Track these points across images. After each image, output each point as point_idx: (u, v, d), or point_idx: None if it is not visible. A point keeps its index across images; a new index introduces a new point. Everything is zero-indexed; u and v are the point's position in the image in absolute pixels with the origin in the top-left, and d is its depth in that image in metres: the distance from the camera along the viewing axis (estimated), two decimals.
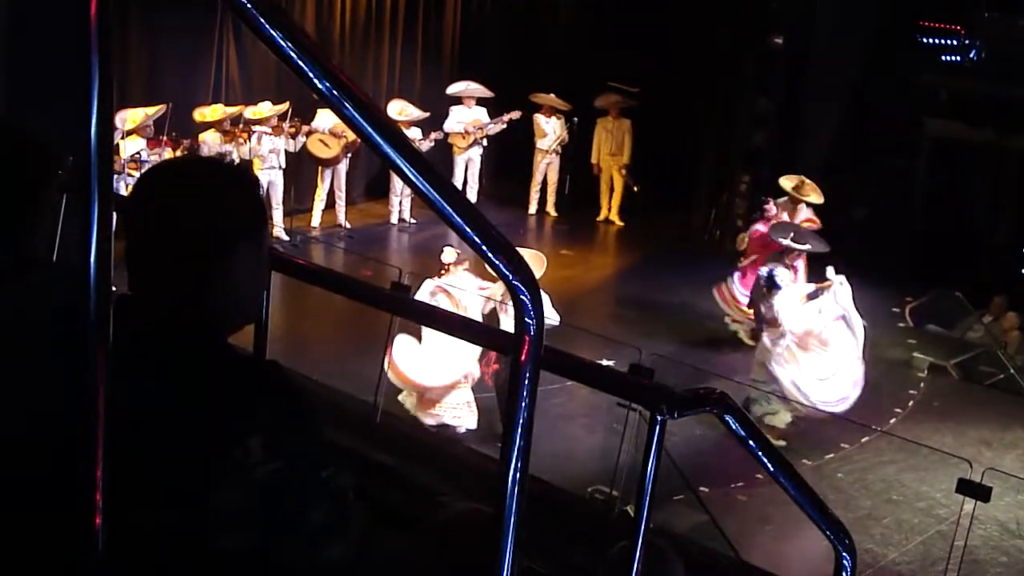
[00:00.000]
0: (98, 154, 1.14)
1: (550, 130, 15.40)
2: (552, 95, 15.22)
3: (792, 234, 10.06)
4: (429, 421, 8.47)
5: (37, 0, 8.51)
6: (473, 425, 8.50)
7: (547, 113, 15.33)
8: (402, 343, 8.34)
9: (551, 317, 8.47)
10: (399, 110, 13.95)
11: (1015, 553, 7.64)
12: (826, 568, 2.89)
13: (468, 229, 1.36)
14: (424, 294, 8.54)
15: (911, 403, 10.39)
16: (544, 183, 15.76)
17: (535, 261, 8.57)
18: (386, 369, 8.12)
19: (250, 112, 12.60)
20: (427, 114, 14.20)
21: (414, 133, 13.79)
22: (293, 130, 12.90)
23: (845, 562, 2.67)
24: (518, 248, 1.45)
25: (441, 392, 8.46)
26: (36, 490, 1.58)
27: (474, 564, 1.65)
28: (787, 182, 11.74)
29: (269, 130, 12.60)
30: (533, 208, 15.78)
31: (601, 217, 15.73)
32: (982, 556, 7.48)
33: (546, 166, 15.63)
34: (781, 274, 9.45)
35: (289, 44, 1.20)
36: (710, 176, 15.61)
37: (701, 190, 15.69)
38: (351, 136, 12.71)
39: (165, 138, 11.51)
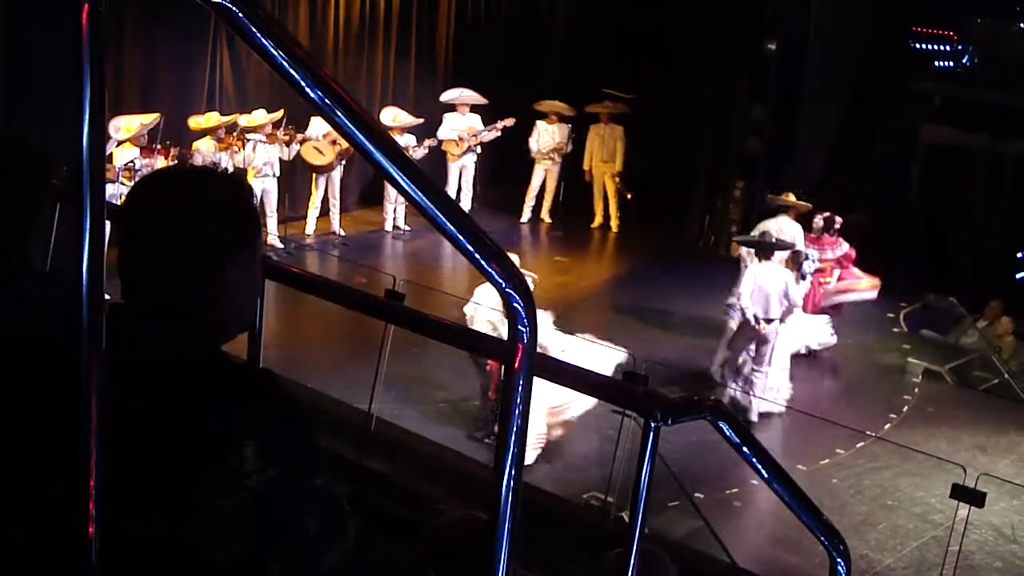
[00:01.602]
0: (90, 163, 1.14)
1: (550, 136, 15.38)
2: (558, 102, 15.23)
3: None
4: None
5: (34, 8, 8.52)
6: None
7: (551, 120, 15.33)
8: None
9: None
10: (392, 116, 13.96)
11: (1010, 558, 7.64)
12: (821, 573, 2.90)
13: (461, 237, 1.36)
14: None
15: (905, 408, 10.40)
16: (541, 190, 15.75)
17: None
18: None
19: (244, 120, 12.60)
20: (421, 120, 14.21)
21: (408, 140, 13.80)
22: (287, 138, 12.89)
23: (840, 568, 2.67)
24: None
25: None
26: (29, 499, 1.58)
27: (469, 571, 1.65)
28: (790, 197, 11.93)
29: (263, 138, 12.60)
30: (526, 216, 15.74)
31: (595, 224, 15.72)
32: (977, 561, 7.48)
33: (544, 172, 15.61)
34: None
35: (281, 53, 1.20)
36: (705, 182, 15.63)
37: (696, 196, 15.71)
38: (345, 143, 12.70)
39: (159, 147, 11.49)
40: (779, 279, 9.69)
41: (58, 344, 1.24)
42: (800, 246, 11.32)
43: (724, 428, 2.11)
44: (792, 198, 11.71)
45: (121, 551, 1.39)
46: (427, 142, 14.14)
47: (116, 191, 10.22)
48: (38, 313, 1.99)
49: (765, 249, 9.95)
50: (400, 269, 12.43)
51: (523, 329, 1.42)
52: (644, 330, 11.23)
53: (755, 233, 11.12)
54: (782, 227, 11.31)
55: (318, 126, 13.10)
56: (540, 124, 15.35)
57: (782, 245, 10.34)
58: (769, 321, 9.63)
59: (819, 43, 14.45)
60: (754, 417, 9.41)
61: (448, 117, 14.75)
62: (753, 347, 9.76)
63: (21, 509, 1.59)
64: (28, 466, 1.58)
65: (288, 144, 12.93)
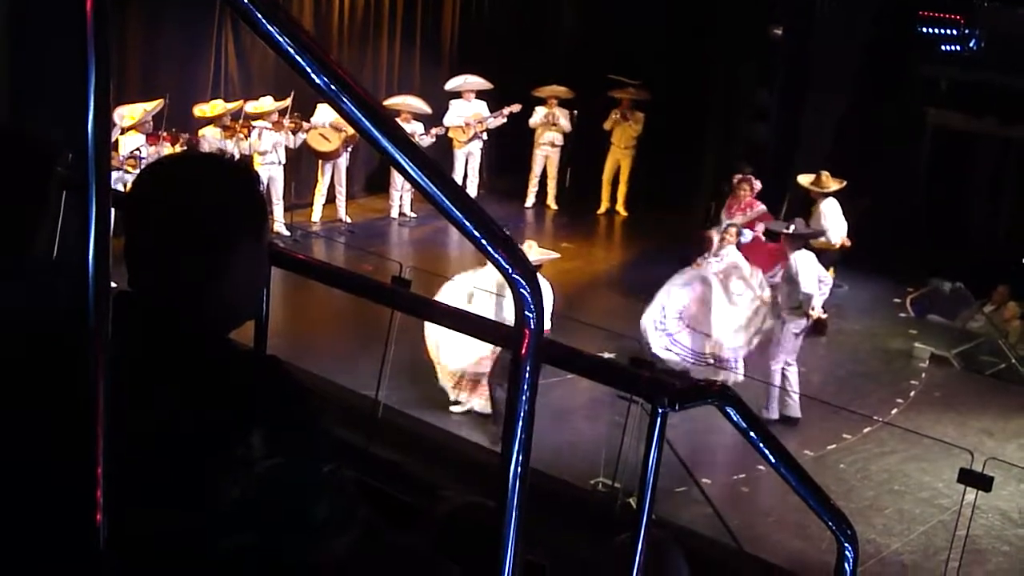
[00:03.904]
0: (96, 150, 1.14)
1: (548, 120, 15.37)
2: (555, 86, 15.22)
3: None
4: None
5: None
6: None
7: (551, 106, 15.31)
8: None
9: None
10: (402, 103, 13.95)
11: (1017, 543, 7.64)
12: (828, 558, 2.90)
13: (467, 223, 1.36)
14: None
15: (913, 393, 10.40)
16: (544, 176, 15.75)
17: None
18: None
19: (252, 107, 12.61)
20: (430, 111, 14.21)
21: (416, 127, 13.79)
22: (293, 126, 12.90)
23: (847, 552, 2.68)
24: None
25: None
26: (38, 488, 1.58)
27: (476, 557, 1.65)
28: (805, 178, 12.00)
29: (269, 125, 12.61)
30: (530, 201, 15.77)
31: (601, 210, 15.72)
32: (984, 546, 7.48)
33: (544, 159, 15.62)
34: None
35: (287, 39, 1.20)
36: (711, 169, 15.60)
37: (702, 183, 15.68)
38: (351, 130, 12.67)
39: (164, 134, 11.51)
40: (816, 263, 9.75)
41: (65, 332, 1.24)
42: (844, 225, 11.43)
43: (731, 413, 2.11)
44: (827, 180, 11.86)
45: (129, 539, 1.39)
46: (434, 130, 14.15)
47: (121, 179, 10.22)
48: (45, 301, 1.99)
49: (797, 240, 9.85)
50: (406, 256, 12.43)
51: (529, 315, 1.42)
52: None
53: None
54: (829, 210, 11.53)
55: (324, 113, 13.09)
56: (539, 109, 15.34)
57: (812, 233, 10.40)
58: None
59: (825, 28, 14.40)
60: (797, 413, 9.41)
61: (454, 104, 14.74)
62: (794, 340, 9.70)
63: (31, 498, 1.60)
64: (36, 455, 1.59)
65: (294, 132, 12.94)
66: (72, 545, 1.30)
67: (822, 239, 11.29)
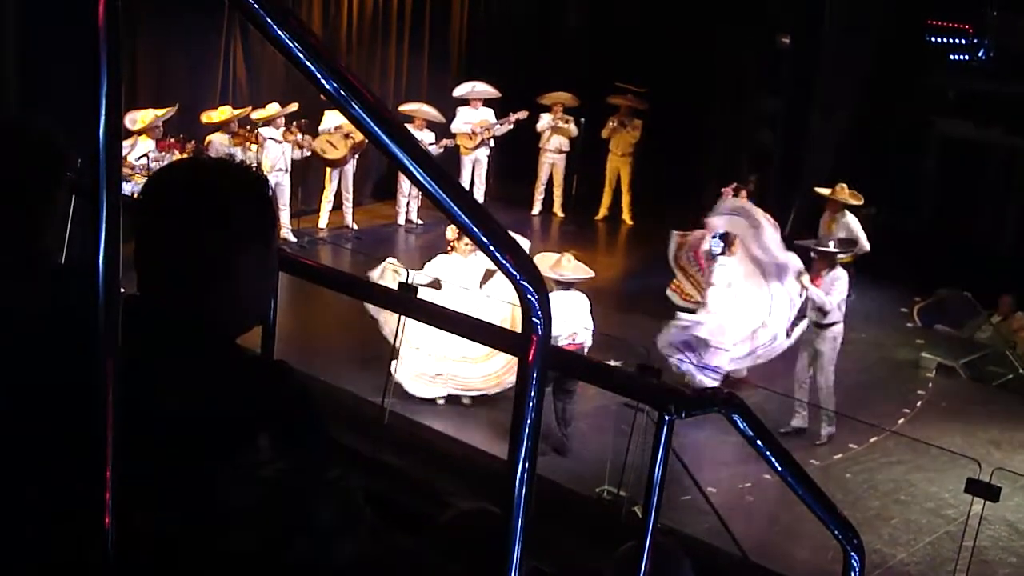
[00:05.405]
0: (107, 156, 1.14)
1: (555, 127, 15.37)
2: (560, 92, 15.22)
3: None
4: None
5: (48, 3, 8.54)
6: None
7: (556, 112, 15.32)
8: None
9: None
10: (415, 110, 13.97)
11: None
12: (834, 568, 2.89)
13: (475, 229, 1.36)
14: None
15: (919, 403, 10.37)
16: (550, 184, 15.76)
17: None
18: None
19: (256, 113, 12.63)
20: (444, 120, 14.22)
21: (427, 135, 13.82)
22: (304, 143, 12.92)
23: (853, 562, 2.67)
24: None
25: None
26: (46, 491, 1.59)
27: (482, 564, 1.65)
28: (825, 189, 11.93)
29: (277, 134, 12.63)
30: (536, 209, 15.78)
31: (600, 216, 15.71)
32: (991, 557, 7.45)
33: (550, 166, 15.62)
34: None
35: (296, 45, 1.21)
36: (718, 176, 15.59)
37: (708, 190, 15.66)
38: (358, 136, 12.74)
39: (173, 140, 11.54)
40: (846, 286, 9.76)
41: (74, 336, 1.25)
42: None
43: (738, 421, 2.11)
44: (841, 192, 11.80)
45: (136, 543, 1.39)
46: (444, 141, 14.19)
47: (130, 184, 10.24)
48: (54, 305, 1.99)
49: (831, 257, 9.80)
50: (413, 262, 12.40)
51: (537, 321, 1.42)
52: (657, 324, 11.18)
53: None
54: (853, 220, 11.48)
55: (331, 120, 13.11)
56: (545, 117, 15.35)
57: (849, 250, 10.54)
58: None
59: (833, 36, 14.40)
60: (804, 423, 9.39)
61: (461, 111, 14.77)
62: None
63: (40, 502, 1.60)
64: (45, 458, 1.59)
65: (301, 147, 12.96)
66: (81, 548, 1.30)
67: (854, 250, 11.26)
